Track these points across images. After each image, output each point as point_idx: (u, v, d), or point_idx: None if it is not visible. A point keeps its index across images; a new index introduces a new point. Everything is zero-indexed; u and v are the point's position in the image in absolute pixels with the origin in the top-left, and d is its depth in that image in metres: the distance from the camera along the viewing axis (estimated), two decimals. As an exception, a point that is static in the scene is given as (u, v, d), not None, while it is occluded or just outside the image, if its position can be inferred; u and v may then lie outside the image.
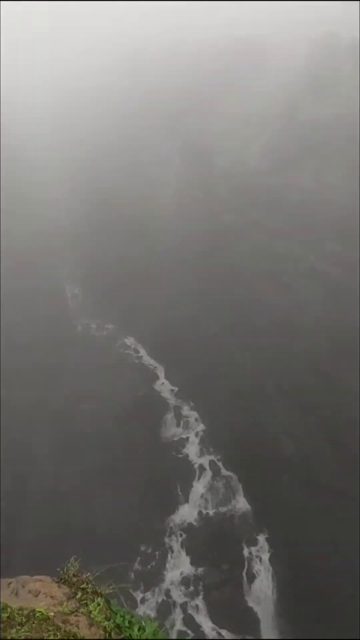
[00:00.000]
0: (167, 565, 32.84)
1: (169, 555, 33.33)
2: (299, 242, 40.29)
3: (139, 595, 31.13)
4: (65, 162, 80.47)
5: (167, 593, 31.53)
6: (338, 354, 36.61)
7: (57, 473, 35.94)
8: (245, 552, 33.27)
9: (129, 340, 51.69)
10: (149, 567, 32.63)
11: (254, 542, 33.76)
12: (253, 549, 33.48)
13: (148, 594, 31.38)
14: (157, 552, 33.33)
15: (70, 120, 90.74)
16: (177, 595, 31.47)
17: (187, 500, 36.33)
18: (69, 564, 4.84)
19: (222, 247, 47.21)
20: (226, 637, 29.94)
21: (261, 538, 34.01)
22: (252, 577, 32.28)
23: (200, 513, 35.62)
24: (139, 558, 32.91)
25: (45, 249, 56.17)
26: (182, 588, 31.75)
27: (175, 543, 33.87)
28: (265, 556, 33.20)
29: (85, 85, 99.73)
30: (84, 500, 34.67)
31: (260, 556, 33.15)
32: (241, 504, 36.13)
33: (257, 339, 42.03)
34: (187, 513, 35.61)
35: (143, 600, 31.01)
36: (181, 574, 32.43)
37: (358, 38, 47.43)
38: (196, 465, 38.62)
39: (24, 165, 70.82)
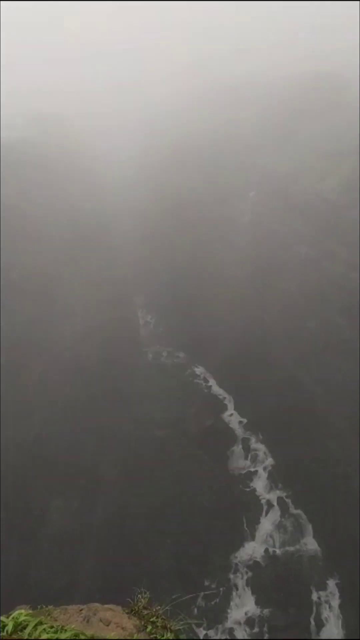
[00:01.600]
0: (232, 603, 31.92)
1: (234, 593, 32.43)
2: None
3: (201, 632, 30.38)
4: (140, 194, 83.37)
5: (231, 632, 30.56)
6: None
7: (123, 500, 36.19)
8: (314, 596, 31.78)
9: (199, 369, 51.83)
10: (212, 603, 31.87)
11: (324, 587, 32.21)
12: (322, 593, 31.93)
13: (211, 632, 30.56)
14: (221, 589, 32.53)
15: (146, 153, 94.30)
16: (241, 636, 30.42)
17: (253, 537, 35.39)
18: (139, 595, 4.89)
19: (295, 279, 46.69)
20: None
21: (331, 583, 32.41)
22: (320, 624, 30.70)
23: (266, 551, 34.54)
24: (202, 593, 32.24)
25: (120, 276, 57.87)
26: (247, 628, 30.68)
27: (240, 580, 32.95)
28: (335, 603, 31.53)
29: (161, 116, 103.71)
30: (149, 529, 34.64)
31: (329, 602, 31.54)
32: (310, 544, 34.73)
33: (329, 372, 40.84)
34: (253, 550, 34.63)
35: (206, 637, 30.23)
36: (246, 613, 31.39)
37: None
38: (264, 501, 37.64)
39: (101, 196, 73.84)
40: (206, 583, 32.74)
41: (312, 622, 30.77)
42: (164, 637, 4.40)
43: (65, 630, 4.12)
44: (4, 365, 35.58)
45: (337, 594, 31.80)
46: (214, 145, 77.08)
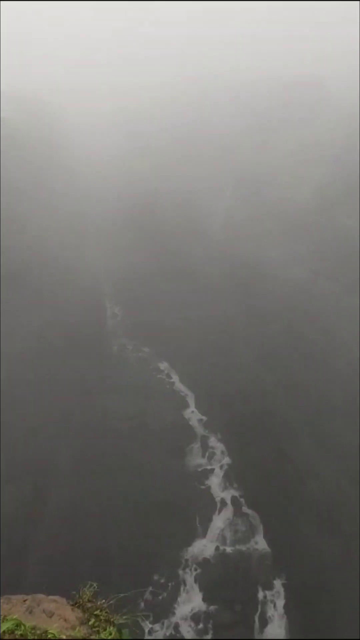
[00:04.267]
0: (179, 599, 32.10)
1: (182, 589, 32.61)
2: (342, 283, 39.82)
3: (147, 626, 30.48)
4: (116, 183, 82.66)
5: (176, 627, 30.74)
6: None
7: (77, 490, 35.94)
8: (260, 595, 32.23)
9: (163, 365, 51.80)
10: (160, 598, 31.97)
11: (270, 586, 32.70)
12: (268, 592, 32.41)
13: (157, 626, 30.68)
14: (169, 584, 32.67)
15: (128, 145, 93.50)
16: (186, 631, 30.64)
17: (205, 534, 35.64)
18: (84, 589, 4.84)
19: (264, 281, 47.15)
20: None
21: (278, 583, 32.92)
22: (264, 622, 31.17)
23: (217, 548, 34.84)
24: (150, 587, 32.31)
25: (89, 266, 57.38)
26: (192, 624, 30.92)
27: (189, 576, 33.17)
28: (280, 602, 32.07)
29: (146, 116, 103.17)
30: (101, 520, 34.51)
31: (275, 601, 32.05)
32: (260, 544, 35.20)
33: (291, 375, 41.48)
34: (203, 547, 34.89)
35: (151, 632, 30.33)
36: (192, 609, 31.61)
37: None
38: (218, 499, 37.95)
39: (74, 182, 72.91)
40: (155, 577, 32.83)
41: (257, 621, 31.21)
42: (106, 631, 4.37)
43: (7, 619, 4.06)
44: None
45: (283, 594, 32.33)
46: (191, 145, 77.10)
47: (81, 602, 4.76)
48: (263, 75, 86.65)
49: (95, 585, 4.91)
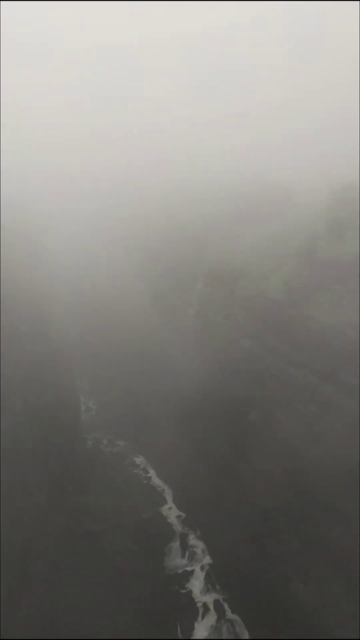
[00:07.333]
0: None
1: None
2: (315, 371, 40.61)
3: None
4: (90, 279, 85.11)
5: None
6: (353, 489, 35.15)
7: (51, 597, 33.62)
8: None
9: (139, 459, 50.69)
10: None
11: None
12: None
13: None
14: None
15: (100, 241, 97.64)
16: None
17: (187, 645, 33.23)
18: None
19: (238, 371, 47.76)
20: None
21: None
22: None
23: (200, 661, 32.40)
24: None
25: (65, 362, 57.57)
26: None
27: None
28: None
29: (120, 212, 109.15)
30: (78, 630, 32.04)
31: None
32: (247, 654, 32.92)
33: (268, 465, 41.01)
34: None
35: None
36: None
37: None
38: (200, 604, 35.74)
39: (52, 282, 74.60)
40: None
41: None
42: None
43: None
44: None
45: None
46: (163, 237, 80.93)
47: None
48: (230, 179, 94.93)
49: None
